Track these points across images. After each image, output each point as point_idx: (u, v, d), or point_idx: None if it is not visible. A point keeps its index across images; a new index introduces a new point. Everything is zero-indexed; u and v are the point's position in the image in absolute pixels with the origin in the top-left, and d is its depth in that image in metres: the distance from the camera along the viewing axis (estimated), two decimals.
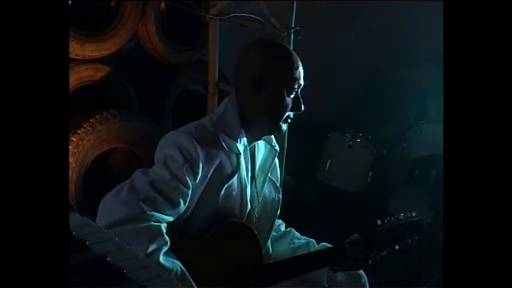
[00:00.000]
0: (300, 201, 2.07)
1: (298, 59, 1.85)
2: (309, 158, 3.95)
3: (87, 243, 1.04)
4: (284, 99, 1.82)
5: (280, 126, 1.86)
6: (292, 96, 1.83)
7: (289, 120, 1.87)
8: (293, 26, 2.83)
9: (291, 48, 2.70)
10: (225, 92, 3.29)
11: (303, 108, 1.86)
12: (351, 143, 3.80)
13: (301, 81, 1.85)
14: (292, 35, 2.83)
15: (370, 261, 1.96)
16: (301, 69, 1.84)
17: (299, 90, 1.85)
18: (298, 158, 1.96)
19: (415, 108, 4.02)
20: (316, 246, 2.07)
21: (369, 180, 3.79)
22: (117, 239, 1.11)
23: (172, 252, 1.68)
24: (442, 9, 1.18)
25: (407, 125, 3.80)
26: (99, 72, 3.23)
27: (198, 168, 1.72)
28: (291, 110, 1.85)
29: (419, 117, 3.85)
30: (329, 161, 3.84)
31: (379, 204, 3.74)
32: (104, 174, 3.30)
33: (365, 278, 2.06)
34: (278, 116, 1.84)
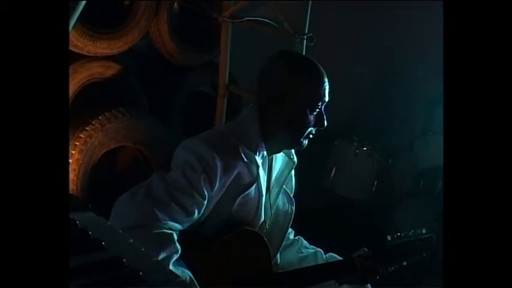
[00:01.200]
0: (304, 208, 2.07)
1: (325, 75, 1.81)
2: (315, 164, 3.94)
3: (103, 243, 1.04)
4: (307, 116, 1.79)
5: (301, 143, 1.84)
6: (315, 113, 1.81)
7: (310, 136, 1.85)
8: (306, 31, 2.83)
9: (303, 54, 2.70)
10: (235, 95, 3.29)
11: (325, 124, 1.83)
12: (357, 151, 3.79)
13: (326, 98, 1.81)
14: (305, 41, 2.82)
15: (377, 277, 1.96)
16: (326, 86, 1.80)
17: (323, 106, 1.82)
18: (304, 164, 1.96)
19: (423, 119, 4.01)
20: (324, 256, 2.06)
21: (373, 189, 3.78)
22: (132, 240, 1.11)
23: (183, 254, 1.67)
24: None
25: (415, 136, 3.80)
26: (110, 69, 3.22)
27: (216, 179, 1.70)
28: (313, 126, 1.82)
29: (427, 128, 3.84)
30: (334, 168, 3.84)
31: (383, 214, 3.73)
32: (110, 173, 3.30)
33: None
34: (299, 133, 1.82)
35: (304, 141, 1.84)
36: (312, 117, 1.80)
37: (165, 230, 1.64)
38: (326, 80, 1.81)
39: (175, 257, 1.63)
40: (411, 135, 3.90)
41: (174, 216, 1.66)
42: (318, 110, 1.81)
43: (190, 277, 1.64)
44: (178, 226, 1.69)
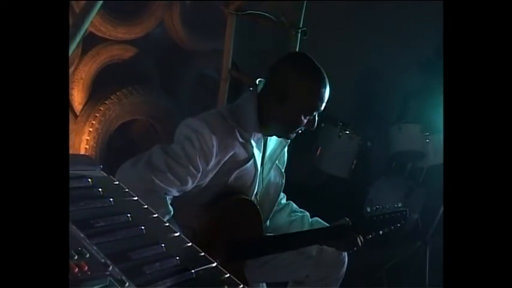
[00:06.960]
0: (292, 180, 2.09)
1: (327, 86, 1.74)
2: (303, 144, 3.92)
3: (111, 199, 1.03)
4: (300, 120, 1.75)
5: (288, 136, 1.84)
6: (308, 117, 1.77)
7: (299, 132, 1.82)
8: (301, 26, 2.79)
9: (298, 46, 2.68)
10: (235, 79, 3.27)
11: (315, 127, 1.81)
12: (340, 134, 3.74)
13: (322, 108, 1.77)
14: (299, 34, 2.79)
15: (355, 245, 1.93)
16: (325, 97, 1.74)
17: (317, 113, 1.78)
18: (294, 143, 1.96)
19: (399, 109, 4.00)
20: (310, 220, 2.05)
21: (353, 167, 3.76)
22: (136, 198, 1.10)
23: (184, 218, 1.67)
24: (436, 15, 1.04)
25: (391, 123, 3.77)
26: (128, 52, 3.27)
27: (212, 156, 1.69)
28: (304, 127, 1.80)
29: (401, 117, 3.83)
30: (320, 148, 3.80)
31: (361, 189, 3.74)
32: (125, 141, 3.32)
33: (345, 258, 2.03)
34: (290, 130, 1.80)
35: (292, 135, 1.83)
36: (304, 121, 1.77)
37: (159, 194, 1.63)
38: (327, 90, 1.74)
39: (167, 217, 1.62)
40: (387, 122, 3.87)
41: (169, 184, 1.64)
42: (312, 116, 1.78)
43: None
44: (172, 192, 1.68)
